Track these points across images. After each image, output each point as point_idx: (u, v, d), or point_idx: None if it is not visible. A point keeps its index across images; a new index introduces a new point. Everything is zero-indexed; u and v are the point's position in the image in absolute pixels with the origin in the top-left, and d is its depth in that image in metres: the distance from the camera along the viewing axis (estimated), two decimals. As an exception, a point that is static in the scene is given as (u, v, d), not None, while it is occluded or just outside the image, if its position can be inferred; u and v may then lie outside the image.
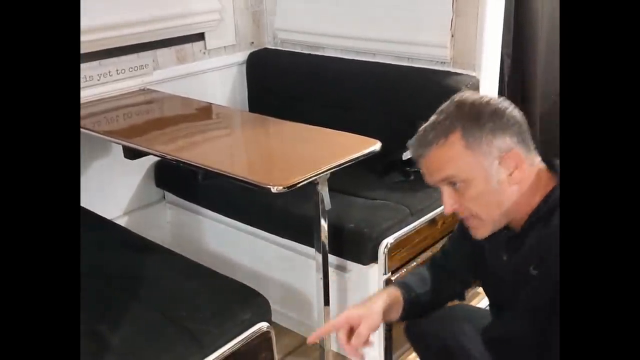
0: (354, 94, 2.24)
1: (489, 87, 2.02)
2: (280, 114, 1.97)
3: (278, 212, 1.91)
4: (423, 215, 1.85)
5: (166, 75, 2.26)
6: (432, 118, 1.10)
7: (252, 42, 2.55)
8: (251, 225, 2.02)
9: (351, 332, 1.14)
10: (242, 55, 2.52)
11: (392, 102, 2.14)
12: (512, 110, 1.07)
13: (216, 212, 2.13)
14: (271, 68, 2.50)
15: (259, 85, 2.54)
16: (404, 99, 2.12)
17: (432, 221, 1.87)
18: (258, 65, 2.53)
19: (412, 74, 2.12)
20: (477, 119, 1.04)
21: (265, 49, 2.57)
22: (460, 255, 1.31)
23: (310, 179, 1.40)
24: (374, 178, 2.04)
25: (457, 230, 1.33)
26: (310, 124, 1.81)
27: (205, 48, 2.38)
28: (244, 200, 1.99)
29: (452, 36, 2.01)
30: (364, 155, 1.53)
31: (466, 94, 1.11)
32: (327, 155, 1.52)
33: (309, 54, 2.43)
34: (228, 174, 1.49)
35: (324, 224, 1.58)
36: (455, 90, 1.92)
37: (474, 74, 2.00)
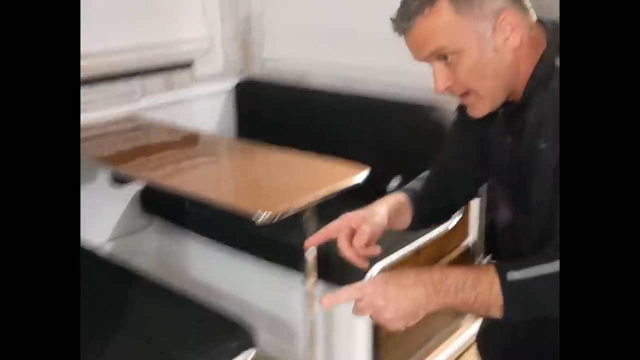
0: (341, 124, 2.27)
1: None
2: (268, 141, 1.99)
3: (265, 240, 1.91)
4: (408, 244, 1.87)
5: (154, 102, 2.27)
6: None
7: (241, 70, 2.58)
8: (238, 252, 2.02)
9: (351, 236, 1.01)
10: (230, 83, 2.54)
11: (379, 133, 2.17)
12: None
13: (204, 238, 2.13)
14: (259, 96, 2.53)
15: (247, 113, 2.56)
16: (391, 130, 2.15)
17: (417, 252, 1.88)
18: (246, 93, 2.55)
19: (399, 105, 2.16)
20: None
21: (253, 77, 2.60)
22: (463, 149, 1.16)
23: (299, 210, 1.41)
24: (361, 207, 2.06)
25: (456, 120, 1.18)
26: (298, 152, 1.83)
27: (194, 76, 2.40)
28: (231, 227, 1.99)
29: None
30: (352, 185, 1.54)
31: None
32: (316, 185, 1.53)
33: (297, 84, 2.46)
34: (214, 202, 1.50)
35: (311, 252, 1.59)
36: (441, 124, 2.00)
37: (458, 105, 2.04)
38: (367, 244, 1.00)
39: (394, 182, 2.10)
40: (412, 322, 0.87)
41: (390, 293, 0.86)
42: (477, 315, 0.89)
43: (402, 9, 0.96)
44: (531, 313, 0.89)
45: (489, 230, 2.48)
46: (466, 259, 2.15)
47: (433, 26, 0.94)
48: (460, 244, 2.13)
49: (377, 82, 2.22)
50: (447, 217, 1.18)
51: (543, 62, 0.97)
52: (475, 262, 2.24)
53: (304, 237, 1.58)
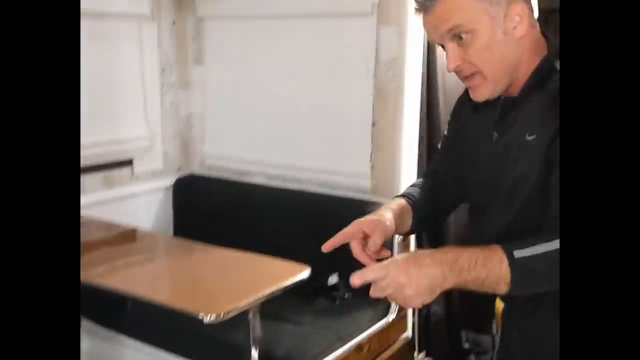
0: (280, 220, 2.32)
1: (407, 214, 2.16)
2: (207, 239, 2.00)
3: (207, 340, 1.88)
4: (350, 341, 1.88)
5: (93, 199, 2.25)
6: None
7: (180, 168, 2.62)
8: (178, 355, 1.97)
9: (364, 240, 1.10)
10: (170, 180, 2.57)
11: (317, 228, 2.22)
12: None
13: (141, 341, 2.06)
14: (198, 193, 2.56)
15: (186, 210, 2.57)
16: (328, 226, 2.21)
17: (359, 347, 1.90)
18: (185, 190, 2.58)
19: (335, 201, 2.24)
20: None
21: (193, 174, 2.64)
22: (453, 155, 1.25)
23: (244, 309, 1.42)
24: (301, 303, 2.08)
25: (447, 129, 1.28)
26: (238, 249, 1.85)
27: (133, 173, 2.42)
28: (171, 328, 1.95)
29: (372, 167, 2.17)
30: (294, 283, 1.57)
31: None
32: (259, 283, 1.55)
33: (236, 181, 2.52)
34: (155, 302, 1.48)
35: (254, 353, 1.58)
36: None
37: (393, 202, 2.14)
38: (379, 250, 1.09)
39: (333, 279, 2.15)
40: (428, 300, 0.92)
41: (412, 271, 0.92)
42: (486, 291, 0.94)
43: None
44: (535, 287, 0.98)
45: (425, 323, 2.54)
46: (407, 351, 2.18)
47: (453, 5, 1.04)
48: (400, 336, 2.16)
49: (313, 182, 2.31)
50: (439, 222, 1.24)
51: (544, 63, 1.07)
52: (415, 355, 2.27)
53: (249, 337, 1.58)
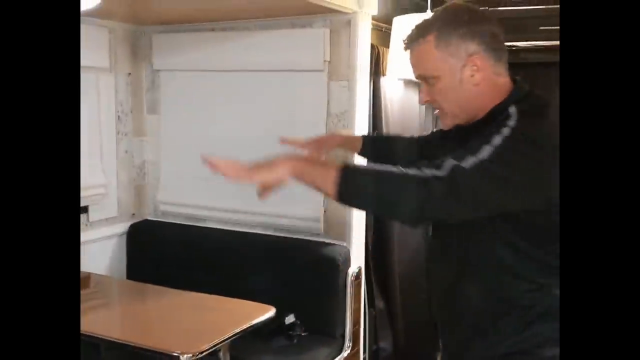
0: (235, 262, 2.39)
1: (357, 255, 2.30)
2: (161, 283, 2.05)
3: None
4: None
5: (48, 247, 2.26)
6: (427, 18, 1.29)
7: (134, 214, 2.66)
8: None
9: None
10: (123, 227, 2.60)
11: (272, 269, 2.33)
12: (491, 23, 1.24)
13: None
14: (152, 239, 2.60)
15: (139, 255, 2.60)
16: (283, 267, 2.32)
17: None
18: (139, 236, 2.62)
19: (290, 243, 2.35)
20: (453, 23, 1.22)
21: (146, 220, 2.68)
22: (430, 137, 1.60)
23: (218, 347, 1.50)
24: (260, 342, 2.15)
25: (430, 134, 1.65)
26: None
27: (88, 220, 2.44)
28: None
29: (325, 211, 2.31)
30: (261, 322, 1.66)
31: (459, 1, 1.28)
32: (225, 322, 1.63)
33: (190, 225, 2.59)
34: (130, 344, 1.53)
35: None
36: (329, 259, 2.22)
37: (344, 244, 2.28)
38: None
39: (290, 318, 2.24)
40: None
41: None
42: (319, 188, 1.17)
43: (412, 32, 1.28)
44: (359, 198, 1.17)
45: (375, 358, 2.66)
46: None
47: (422, 53, 1.25)
48: (353, 372, 2.27)
49: (268, 226, 2.41)
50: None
51: (498, 106, 1.24)
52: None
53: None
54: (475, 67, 1.22)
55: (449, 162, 1.09)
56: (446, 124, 1.33)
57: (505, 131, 1.13)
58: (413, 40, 1.27)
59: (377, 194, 1.11)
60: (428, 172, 1.09)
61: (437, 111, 1.35)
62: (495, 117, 1.22)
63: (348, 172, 1.12)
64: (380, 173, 1.13)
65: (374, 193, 1.12)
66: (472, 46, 1.21)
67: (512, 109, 1.19)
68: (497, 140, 1.12)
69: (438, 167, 1.09)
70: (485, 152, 1.10)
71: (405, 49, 1.30)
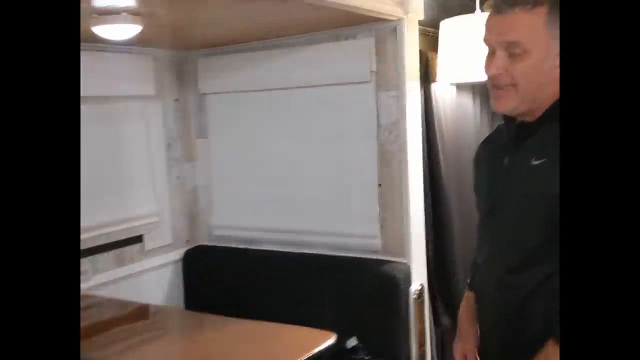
0: (292, 285, 2.33)
1: (418, 271, 2.19)
2: (220, 310, 2.00)
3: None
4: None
5: (106, 278, 2.26)
6: None
7: (188, 240, 2.64)
8: None
9: None
10: (179, 254, 2.58)
11: (330, 290, 2.25)
12: None
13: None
14: (208, 264, 2.57)
15: (196, 282, 2.58)
16: (341, 287, 2.23)
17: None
18: (194, 262, 2.59)
19: (346, 262, 2.27)
20: None
21: (201, 245, 2.66)
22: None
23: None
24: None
25: (474, 167, 1.48)
26: (254, 319, 1.85)
27: (144, 249, 2.43)
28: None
29: (381, 227, 2.21)
30: (320, 352, 1.58)
31: None
32: (288, 353, 1.56)
33: (246, 249, 2.54)
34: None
35: None
36: (389, 277, 2.12)
37: (404, 260, 2.17)
38: None
39: (351, 342, 2.15)
40: None
41: None
42: None
43: None
44: None
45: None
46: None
47: (524, 21, 1.12)
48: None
49: (323, 245, 2.33)
50: None
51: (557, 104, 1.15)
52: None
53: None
54: None
55: None
56: (507, 106, 1.21)
57: None
58: (517, 3, 1.15)
59: None
60: None
61: (499, 90, 1.21)
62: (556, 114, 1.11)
63: None
64: None
65: None
66: None
67: None
68: None
69: None
70: None
71: (500, 8, 1.17)
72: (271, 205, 2.46)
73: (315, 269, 2.32)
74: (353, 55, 2.18)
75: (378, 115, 2.17)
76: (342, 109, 2.26)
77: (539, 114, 1.21)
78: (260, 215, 2.49)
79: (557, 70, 1.12)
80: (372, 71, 2.15)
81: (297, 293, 2.30)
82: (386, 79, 2.15)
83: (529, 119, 1.23)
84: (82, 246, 2.19)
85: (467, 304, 1.59)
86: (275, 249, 2.46)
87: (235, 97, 2.52)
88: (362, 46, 2.15)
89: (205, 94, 2.58)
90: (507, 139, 1.31)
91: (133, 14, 1.61)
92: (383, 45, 2.14)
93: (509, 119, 1.31)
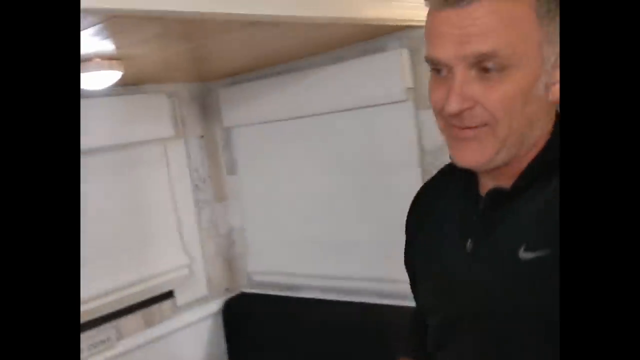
0: (337, 335, 2.04)
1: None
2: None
3: None
4: None
5: (132, 343, 2.05)
6: None
7: (227, 289, 2.40)
8: None
9: None
10: (217, 304, 2.34)
11: (375, 340, 1.93)
12: None
13: None
14: (250, 314, 2.32)
15: (239, 334, 2.33)
16: (392, 339, 1.91)
17: None
18: (235, 312, 2.35)
19: (392, 312, 1.93)
20: None
21: (242, 293, 2.41)
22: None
23: None
24: None
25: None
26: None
27: (176, 305, 2.21)
28: None
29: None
30: None
31: None
32: None
33: (289, 297, 2.26)
34: None
35: None
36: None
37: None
38: None
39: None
40: None
41: None
42: None
43: None
44: None
45: None
46: None
47: (503, 15, 0.68)
48: None
49: (371, 292, 2.03)
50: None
51: (551, 145, 0.76)
52: None
53: None
54: (558, 77, 0.74)
55: None
56: (477, 158, 0.75)
57: None
58: None
59: None
60: None
61: (464, 131, 0.76)
62: (552, 167, 0.74)
63: None
64: None
65: None
66: None
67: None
68: None
69: None
70: None
71: (457, 3, 0.70)
72: (309, 246, 2.18)
73: (359, 319, 2.02)
74: (383, 69, 1.85)
75: (420, 139, 1.84)
76: (378, 134, 1.94)
77: (524, 165, 0.77)
78: (299, 258, 2.22)
79: (556, 90, 0.74)
80: (408, 87, 1.82)
81: (343, 344, 2.02)
82: (427, 95, 1.81)
83: (508, 177, 0.78)
84: (104, 311, 1.99)
85: None
86: (318, 297, 2.17)
87: (261, 128, 2.25)
88: (392, 59, 1.82)
89: (230, 127, 2.34)
90: (470, 206, 0.82)
91: (107, 59, 1.38)
92: (419, 55, 1.79)
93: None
